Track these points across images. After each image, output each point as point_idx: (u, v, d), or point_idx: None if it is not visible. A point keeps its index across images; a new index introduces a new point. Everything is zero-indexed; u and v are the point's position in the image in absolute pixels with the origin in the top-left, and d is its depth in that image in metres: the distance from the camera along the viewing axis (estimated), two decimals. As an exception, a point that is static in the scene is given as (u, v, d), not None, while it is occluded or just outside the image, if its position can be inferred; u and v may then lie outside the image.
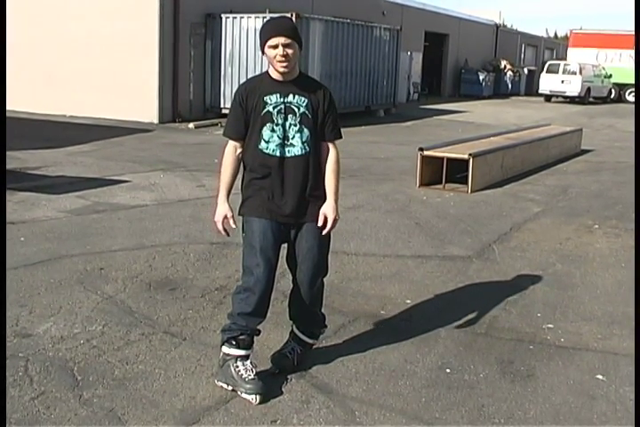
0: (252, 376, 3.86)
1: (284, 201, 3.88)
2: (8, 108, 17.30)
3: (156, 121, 17.86)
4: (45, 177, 9.99)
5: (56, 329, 4.65)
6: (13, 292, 5.28)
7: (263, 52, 3.80)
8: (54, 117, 17.71)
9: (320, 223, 3.90)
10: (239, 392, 3.84)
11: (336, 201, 3.95)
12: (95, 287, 5.47)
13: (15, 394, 3.78)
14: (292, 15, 17.47)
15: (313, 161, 3.90)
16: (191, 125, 17.42)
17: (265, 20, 17.37)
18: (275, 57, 3.72)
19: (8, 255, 6.10)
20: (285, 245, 4.01)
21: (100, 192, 9.02)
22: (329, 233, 4.01)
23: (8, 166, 10.27)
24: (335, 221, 3.93)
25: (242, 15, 18.35)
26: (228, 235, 3.96)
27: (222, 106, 18.37)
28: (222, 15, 18.59)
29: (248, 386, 3.82)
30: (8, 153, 11.23)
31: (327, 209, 3.92)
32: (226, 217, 3.88)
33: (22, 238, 6.75)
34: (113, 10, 17.78)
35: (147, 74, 17.75)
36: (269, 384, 3.92)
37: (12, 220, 7.41)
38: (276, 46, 3.69)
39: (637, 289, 5.22)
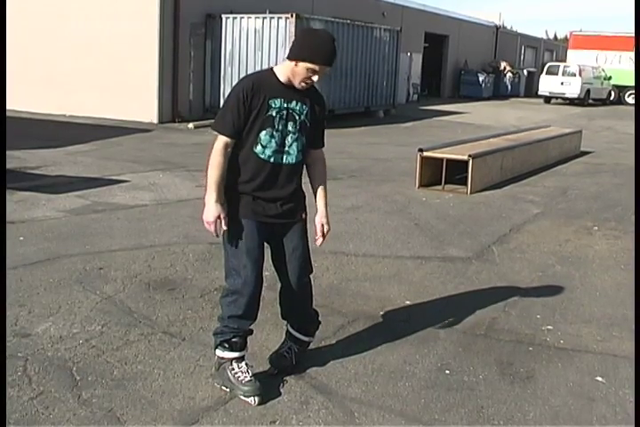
0: (249, 378, 3.86)
1: (269, 203, 3.84)
2: (8, 107, 17.34)
3: (155, 121, 17.87)
4: (45, 177, 9.99)
5: (55, 329, 4.64)
6: (12, 291, 5.27)
7: (293, 60, 3.64)
8: (54, 117, 17.71)
9: (318, 235, 3.98)
10: (238, 395, 3.84)
11: (327, 209, 4.02)
12: (94, 287, 5.47)
13: (14, 394, 3.78)
14: (291, 15, 17.52)
15: (301, 165, 3.92)
16: (191, 125, 17.41)
17: (271, 20, 17.54)
18: (306, 78, 3.66)
19: (7, 255, 6.10)
20: (268, 244, 3.97)
21: (99, 192, 9.02)
22: (307, 230, 4.01)
23: (8, 166, 10.28)
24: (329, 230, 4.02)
25: (242, 15, 18.36)
26: (218, 236, 3.86)
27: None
28: (222, 15, 18.58)
29: (246, 388, 3.82)
30: (8, 152, 11.23)
31: (323, 219, 3.98)
32: (219, 217, 3.74)
33: (21, 238, 6.74)
34: (113, 10, 17.78)
35: (147, 74, 17.75)
36: (267, 385, 3.91)
37: (12, 219, 7.40)
38: (314, 71, 3.63)
39: (637, 291, 5.23)
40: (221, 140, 3.77)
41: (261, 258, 3.86)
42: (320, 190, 4.01)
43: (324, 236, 4.00)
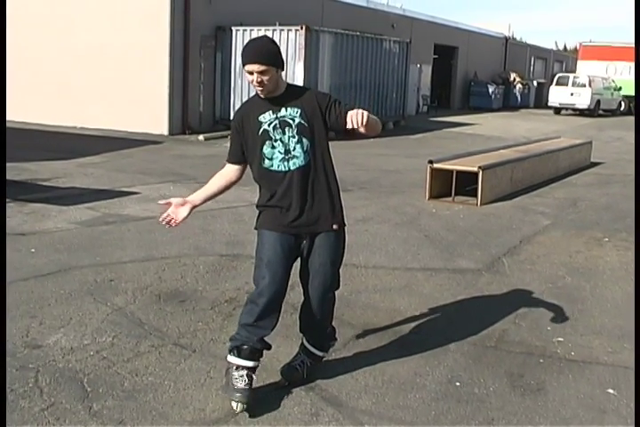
0: (243, 386, 3.85)
1: (292, 212, 3.88)
2: (20, 119, 17.53)
3: (165, 133, 17.94)
4: (56, 188, 10.04)
5: (66, 340, 4.66)
6: (24, 303, 5.30)
7: None
8: (65, 129, 17.80)
9: (349, 126, 3.62)
10: (230, 399, 3.86)
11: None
12: (105, 299, 5.49)
13: (25, 405, 3.79)
14: (301, 28, 17.61)
15: (316, 168, 3.90)
16: (201, 137, 17.47)
17: (281, 32, 17.65)
18: (252, 82, 3.77)
19: (19, 266, 6.15)
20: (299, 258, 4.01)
21: (110, 204, 9.06)
22: (343, 245, 4.03)
23: (19, 178, 10.35)
24: (365, 114, 3.56)
25: (252, 28, 18.42)
26: (169, 224, 4.17)
27: (232, 118, 18.38)
28: (232, 28, 18.68)
29: (235, 394, 3.83)
30: (19, 164, 11.33)
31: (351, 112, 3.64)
32: (171, 203, 4.07)
33: (33, 250, 6.77)
34: (124, 22, 17.91)
35: (157, 86, 17.84)
36: (278, 396, 3.93)
37: (23, 231, 7.44)
38: (251, 73, 3.74)
39: (637, 301, 5.23)
40: (227, 164, 4.09)
41: (283, 271, 3.87)
42: None
43: (358, 122, 3.57)
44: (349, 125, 3.60)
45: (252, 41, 3.93)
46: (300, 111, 3.84)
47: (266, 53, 3.75)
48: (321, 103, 3.86)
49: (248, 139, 3.91)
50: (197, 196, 4.11)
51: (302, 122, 3.84)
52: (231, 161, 4.06)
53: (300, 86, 4.17)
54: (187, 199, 4.08)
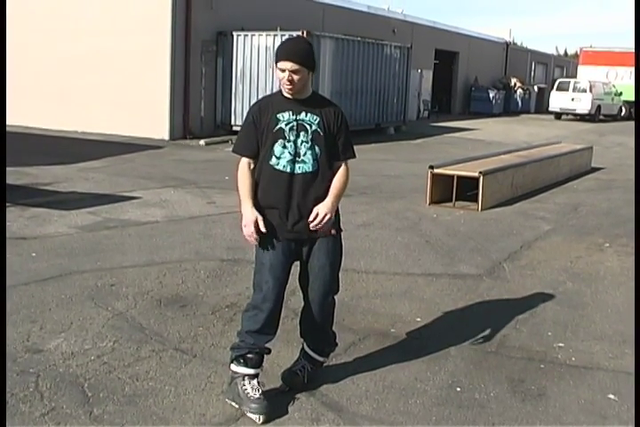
0: (258, 396, 3.85)
1: (292, 217, 3.89)
2: (21, 124, 17.53)
3: (166, 138, 17.93)
4: (57, 193, 10.04)
5: (67, 345, 4.66)
6: (24, 307, 5.30)
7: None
8: (67, 134, 17.82)
9: (311, 219, 3.84)
10: (245, 411, 3.84)
11: (334, 202, 3.89)
12: (106, 303, 5.49)
13: (26, 410, 3.79)
14: (302, 33, 17.62)
15: (322, 177, 3.92)
16: (202, 142, 17.47)
17: (282, 37, 17.68)
18: (282, 79, 3.79)
19: (20, 271, 6.15)
20: (297, 262, 4.01)
21: (110, 208, 9.06)
22: (340, 249, 4.03)
23: (20, 182, 10.36)
24: (327, 218, 3.84)
25: (253, 33, 18.47)
26: (258, 241, 3.92)
27: (233, 123, 18.45)
28: (234, 33, 18.69)
29: (253, 405, 3.82)
30: (20, 169, 11.33)
31: (320, 206, 3.86)
32: (257, 220, 3.80)
33: (34, 254, 6.78)
34: (125, 27, 17.91)
35: (158, 91, 17.84)
36: (275, 404, 3.91)
37: (24, 235, 7.44)
38: (283, 70, 3.75)
39: (637, 307, 5.22)
40: (242, 160, 3.95)
41: (284, 275, 3.89)
42: (332, 187, 3.93)
43: (318, 221, 3.84)
44: (312, 217, 3.85)
45: (289, 39, 4.00)
46: (319, 119, 3.88)
47: (300, 53, 3.79)
48: (339, 125, 3.92)
49: (262, 133, 3.87)
50: (251, 201, 3.89)
51: (318, 130, 3.87)
52: (248, 154, 3.91)
53: (325, 97, 4.18)
54: (252, 207, 3.87)
